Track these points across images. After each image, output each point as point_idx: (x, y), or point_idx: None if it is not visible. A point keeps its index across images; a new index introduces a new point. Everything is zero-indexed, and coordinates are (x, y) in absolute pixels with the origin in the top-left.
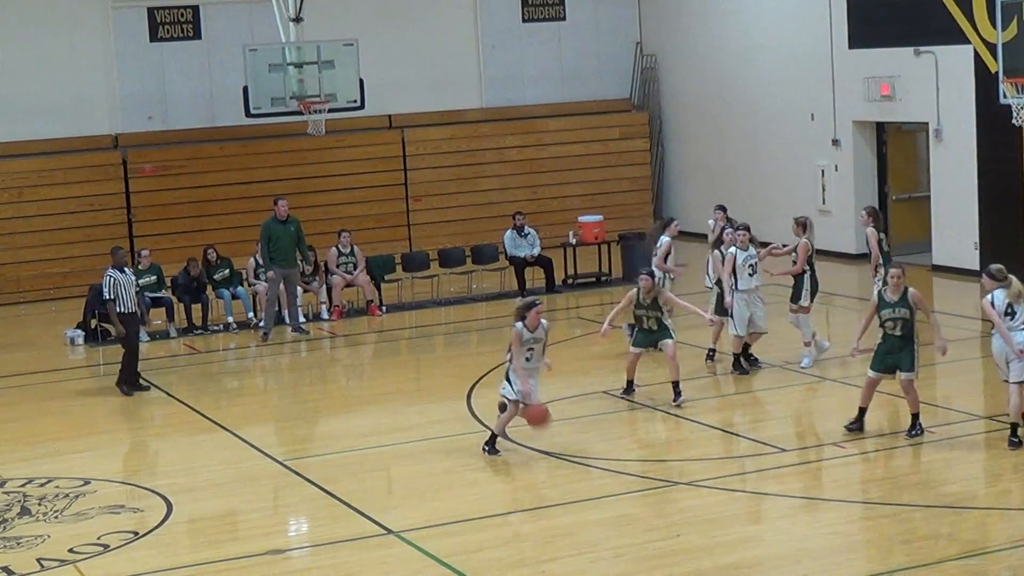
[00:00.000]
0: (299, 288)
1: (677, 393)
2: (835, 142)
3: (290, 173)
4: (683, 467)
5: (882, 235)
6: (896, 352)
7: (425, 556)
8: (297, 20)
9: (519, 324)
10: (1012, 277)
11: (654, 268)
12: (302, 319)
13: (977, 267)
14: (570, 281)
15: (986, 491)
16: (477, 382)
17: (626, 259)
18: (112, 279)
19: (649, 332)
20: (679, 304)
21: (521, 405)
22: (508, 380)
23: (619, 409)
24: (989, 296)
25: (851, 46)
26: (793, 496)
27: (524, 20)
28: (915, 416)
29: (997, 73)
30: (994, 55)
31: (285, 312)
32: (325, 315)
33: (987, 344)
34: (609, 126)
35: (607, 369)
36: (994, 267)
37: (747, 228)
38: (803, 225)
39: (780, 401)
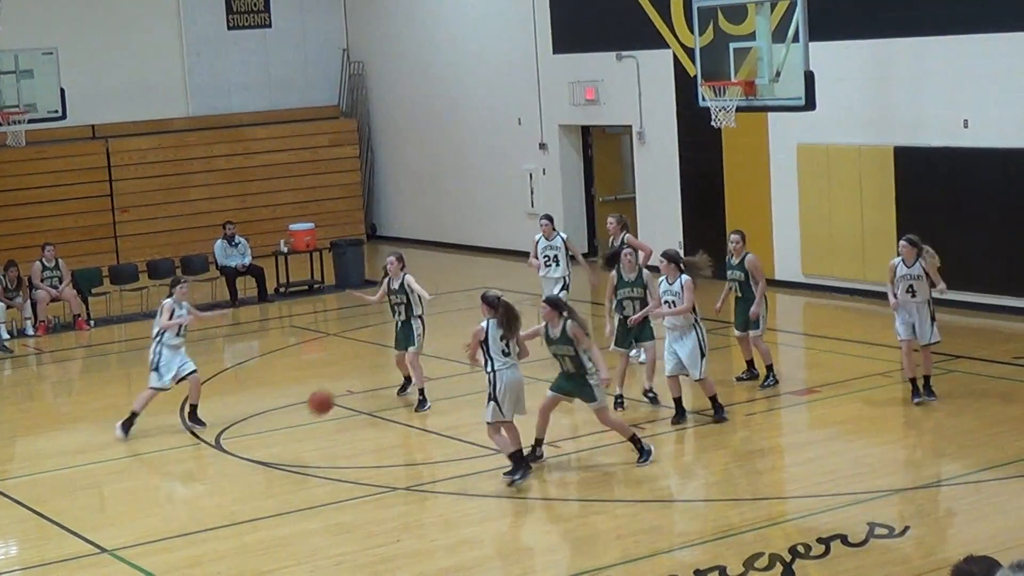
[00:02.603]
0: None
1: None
2: (542, 146)
3: None
4: (401, 472)
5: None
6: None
7: (141, 573)
8: None
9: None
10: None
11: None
12: (5, 336)
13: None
14: (282, 290)
15: (694, 484)
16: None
17: (338, 267)
18: None
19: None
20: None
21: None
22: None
23: (335, 417)
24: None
25: (556, 51)
26: (510, 497)
27: (229, 28)
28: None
29: (695, 77)
30: (692, 59)
31: None
32: (30, 331)
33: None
34: (318, 133)
35: (320, 378)
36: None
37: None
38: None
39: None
